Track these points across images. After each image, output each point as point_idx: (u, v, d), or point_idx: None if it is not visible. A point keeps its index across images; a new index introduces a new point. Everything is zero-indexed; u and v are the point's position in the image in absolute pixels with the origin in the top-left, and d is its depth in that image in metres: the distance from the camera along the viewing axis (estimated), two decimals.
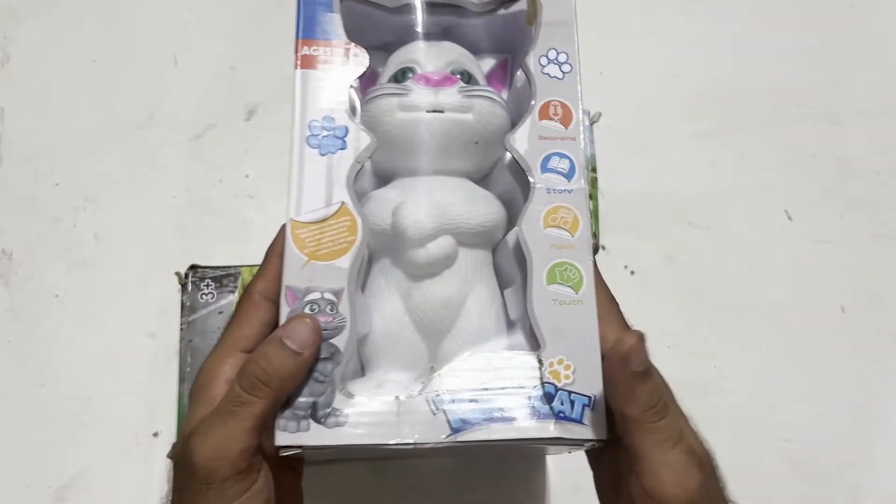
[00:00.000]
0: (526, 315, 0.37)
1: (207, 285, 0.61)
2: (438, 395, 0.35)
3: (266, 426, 0.34)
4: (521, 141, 0.39)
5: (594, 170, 0.63)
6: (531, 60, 0.41)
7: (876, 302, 0.66)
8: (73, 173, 0.67)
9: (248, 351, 0.36)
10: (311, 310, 0.35)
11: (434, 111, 0.39)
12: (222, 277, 0.61)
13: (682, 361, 0.62)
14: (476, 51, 0.44)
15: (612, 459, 0.37)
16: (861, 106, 0.73)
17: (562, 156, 0.39)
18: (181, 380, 0.59)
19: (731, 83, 0.73)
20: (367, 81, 0.42)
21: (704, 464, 0.34)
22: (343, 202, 0.37)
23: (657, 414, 0.33)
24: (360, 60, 0.40)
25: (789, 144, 0.71)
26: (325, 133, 0.38)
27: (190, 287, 0.61)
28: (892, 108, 0.73)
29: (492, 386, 0.35)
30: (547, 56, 0.41)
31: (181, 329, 0.60)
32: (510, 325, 0.39)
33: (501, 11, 0.43)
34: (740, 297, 0.65)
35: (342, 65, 0.40)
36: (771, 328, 0.65)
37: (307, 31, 0.40)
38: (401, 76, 0.41)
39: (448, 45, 0.43)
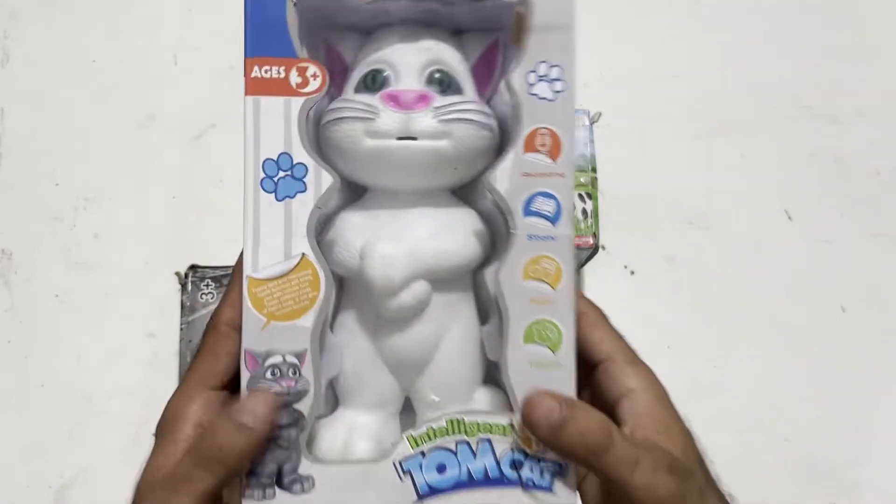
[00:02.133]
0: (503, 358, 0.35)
1: (207, 285, 0.61)
2: (406, 458, 0.34)
3: (219, 499, 0.33)
4: (502, 179, 0.34)
5: (594, 170, 0.63)
6: (516, 78, 0.34)
7: (876, 302, 0.66)
8: (73, 173, 0.67)
9: (216, 388, 0.34)
10: (273, 374, 0.34)
11: (405, 138, 0.34)
12: (222, 277, 0.61)
13: (682, 361, 0.62)
14: (460, 31, 0.38)
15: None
16: (861, 106, 0.72)
17: (547, 196, 0.34)
18: (181, 380, 0.59)
19: (731, 83, 0.72)
20: (339, 76, 0.37)
21: (675, 467, 0.33)
22: (304, 254, 0.34)
23: (599, 453, 0.32)
24: (319, 81, 0.34)
25: (789, 144, 0.71)
26: (282, 174, 0.34)
27: (190, 287, 0.61)
28: (892, 108, 0.73)
29: (461, 450, 0.34)
30: (536, 71, 0.34)
31: (181, 329, 0.60)
32: (487, 365, 0.37)
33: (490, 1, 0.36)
34: (740, 297, 0.65)
35: (299, 87, 0.34)
36: (771, 328, 0.65)
37: (256, 46, 0.34)
38: (370, 81, 0.36)
39: (426, 44, 0.37)
